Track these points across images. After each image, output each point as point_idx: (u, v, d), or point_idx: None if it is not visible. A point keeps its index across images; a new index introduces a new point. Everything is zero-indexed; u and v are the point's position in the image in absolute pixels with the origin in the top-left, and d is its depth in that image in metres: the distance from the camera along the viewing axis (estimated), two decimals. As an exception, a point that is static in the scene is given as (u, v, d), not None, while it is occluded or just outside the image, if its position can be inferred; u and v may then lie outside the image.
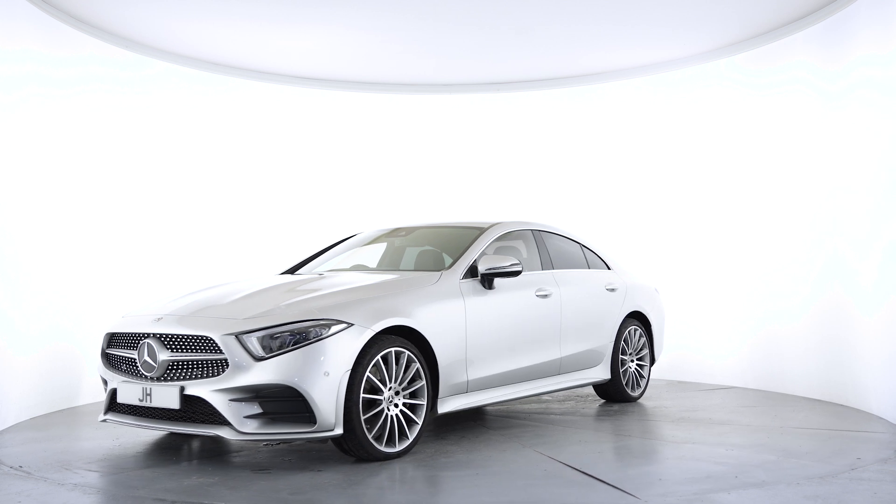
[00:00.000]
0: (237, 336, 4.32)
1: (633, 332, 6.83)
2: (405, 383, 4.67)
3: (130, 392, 4.59)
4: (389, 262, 6.24)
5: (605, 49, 8.13)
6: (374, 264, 6.26)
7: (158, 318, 4.66)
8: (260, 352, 4.28)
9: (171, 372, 4.48)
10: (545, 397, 7.11)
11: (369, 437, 4.42)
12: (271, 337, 4.31)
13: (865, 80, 6.22)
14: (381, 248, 6.47)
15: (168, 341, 4.53)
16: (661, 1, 6.85)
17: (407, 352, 4.66)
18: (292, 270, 6.30)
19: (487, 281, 5.39)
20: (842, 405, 6.50)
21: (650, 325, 7.07)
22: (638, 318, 6.96)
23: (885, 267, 5.89)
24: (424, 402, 4.73)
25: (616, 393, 6.70)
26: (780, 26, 7.38)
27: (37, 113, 6.43)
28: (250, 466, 4.53)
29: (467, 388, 5.15)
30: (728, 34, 7.66)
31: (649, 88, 8.78)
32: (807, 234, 7.09)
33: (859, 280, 6.29)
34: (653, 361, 7.17)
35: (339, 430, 4.31)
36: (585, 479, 4.14)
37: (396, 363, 4.62)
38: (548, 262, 6.18)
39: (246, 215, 8.67)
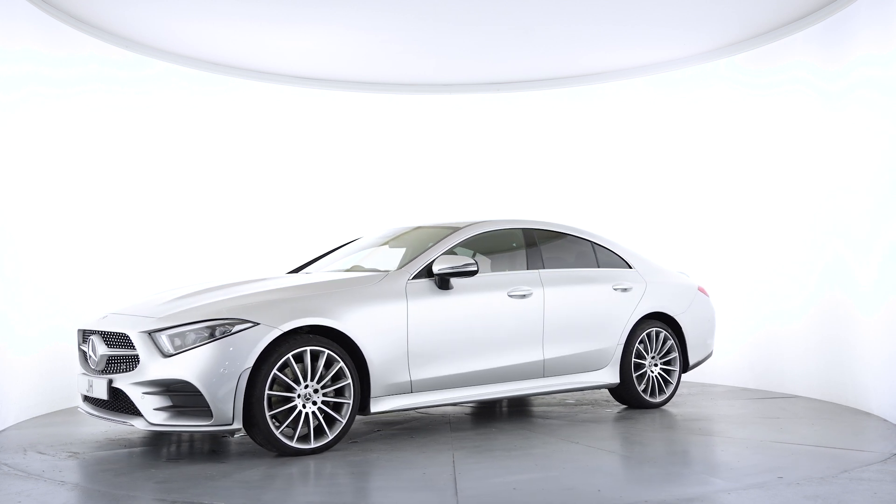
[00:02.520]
0: (150, 334, 4.64)
1: (654, 333, 6.49)
2: (327, 381, 4.77)
3: (83, 384, 5.03)
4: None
5: (605, 49, 8.13)
6: (383, 261, 6.21)
7: (104, 317, 5.06)
8: (169, 349, 4.58)
9: (109, 366, 4.84)
10: (568, 399, 7.02)
11: (276, 432, 4.58)
12: (179, 335, 4.60)
13: (865, 80, 6.22)
14: (398, 244, 6.39)
15: (105, 338, 4.89)
16: (661, 1, 6.85)
17: (327, 351, 4.76)
18: (297, 270, 6.36)
19: (442, 281, 5.37)
20: (842, 405, 6.51)
21: (680, 327, 6.70)
22: (664, 320, 6.63)
23: (885, 267, 5.90)
24: (350, 401, 4.83)
25: (631, 398, 6.38)
26: (780, 26, 7.38)
27: (37, 113, 6.43)
28: (169, 457, 4.78)
29: (411, 389, 5.18)
30: (728, 34, 7.66)
31: (649, 88, 8.78)
32: (807, 234, 7.09)
33: (859, 280, 6.29)
34: (686, 366, 6.71)
35: (237, 425, 4.51)
36: (446, 486, 4.06)
37: (315, 362, 4.73)
38: (537, 261, 6.06)
39: (246, 216, 8.67)
